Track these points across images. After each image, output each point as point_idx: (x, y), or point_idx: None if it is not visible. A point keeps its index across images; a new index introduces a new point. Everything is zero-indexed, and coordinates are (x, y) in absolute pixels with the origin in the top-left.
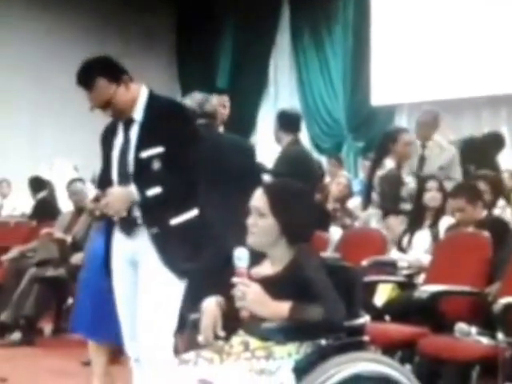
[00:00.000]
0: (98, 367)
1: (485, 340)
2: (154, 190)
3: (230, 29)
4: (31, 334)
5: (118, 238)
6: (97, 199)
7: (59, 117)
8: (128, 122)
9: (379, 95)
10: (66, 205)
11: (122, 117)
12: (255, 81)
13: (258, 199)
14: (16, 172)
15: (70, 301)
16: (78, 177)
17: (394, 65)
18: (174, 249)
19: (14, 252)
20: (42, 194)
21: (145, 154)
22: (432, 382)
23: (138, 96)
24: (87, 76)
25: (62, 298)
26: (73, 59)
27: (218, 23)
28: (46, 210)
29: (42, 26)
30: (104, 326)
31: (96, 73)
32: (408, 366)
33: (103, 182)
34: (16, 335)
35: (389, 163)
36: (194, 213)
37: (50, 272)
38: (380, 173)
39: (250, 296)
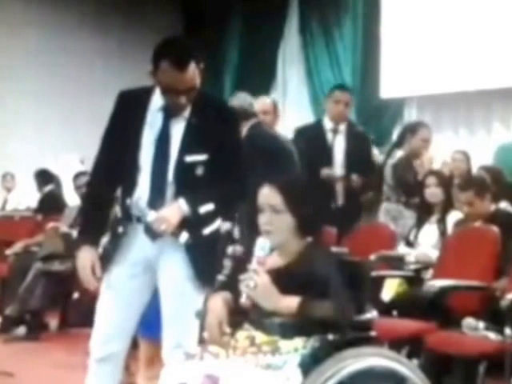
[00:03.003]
0: (146, 360)
1: (492, 335)
2: (207, 207)
3: (238, 21)
4: (36, 328)
5: (133, 243)
6: None
7: (65, 110)
8: (170, 115)
9: (389, 88)
10: (72, 199)
11: (182, 109)
12: (263, 73)
13: (271, 196)
14: (21, 165)
15: (76, 295)
16: (84, 170)
17: (404, 57)
18: (204, 259)
19: (18, 246)
20: (48, 188)
21: (190, 159)
22: (439, 377)
23: None
24: (186, 55)
25: (67, 293)
26: (80, 52)
27: (225, 15)
28: (52, 204)
29: (47, 18)
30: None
31: (193, 55)
32: (415, 361)
33: (115, 164)
34: (21, 330)
35: (399, 154)
36: (219, 222)
37: (56, 267)
38: (391, 162)
39: (260, 288)
